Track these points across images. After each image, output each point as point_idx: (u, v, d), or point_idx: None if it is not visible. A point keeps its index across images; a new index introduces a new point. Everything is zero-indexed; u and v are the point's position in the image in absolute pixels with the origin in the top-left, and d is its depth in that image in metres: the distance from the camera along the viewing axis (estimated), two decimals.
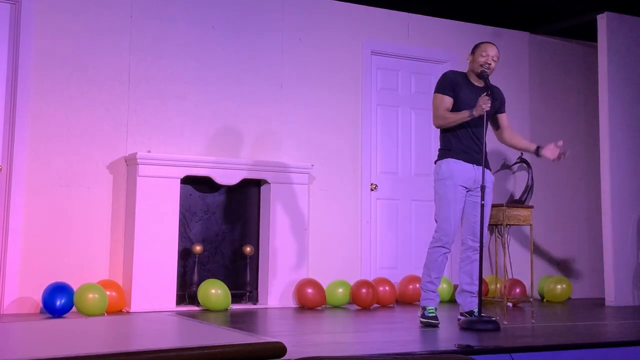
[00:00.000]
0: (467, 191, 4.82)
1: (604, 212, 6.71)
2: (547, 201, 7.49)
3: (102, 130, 5.81)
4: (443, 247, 4.77)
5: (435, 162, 4.95)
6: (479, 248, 4.78)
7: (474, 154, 4.82)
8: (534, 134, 7.54)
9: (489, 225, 5.56)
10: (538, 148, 4.94)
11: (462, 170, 4.79)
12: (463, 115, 4.76)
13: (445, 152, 4.86)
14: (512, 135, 5.12)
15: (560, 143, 4.89)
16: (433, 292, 4.80)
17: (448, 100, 4.84)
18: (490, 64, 4.87)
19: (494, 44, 4.98)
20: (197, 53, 6.20)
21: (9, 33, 5.63)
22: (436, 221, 4.83)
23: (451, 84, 4.87)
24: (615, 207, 6.67)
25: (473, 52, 4.94)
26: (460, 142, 4.82)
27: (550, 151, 4.89)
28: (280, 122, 6.47)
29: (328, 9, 6.78)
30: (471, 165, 4.81)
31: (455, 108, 4.82)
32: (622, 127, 6.80)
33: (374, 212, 6.79)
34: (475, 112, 4.73)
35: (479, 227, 4.77)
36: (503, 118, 5.09)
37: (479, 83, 4.92)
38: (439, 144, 4.99)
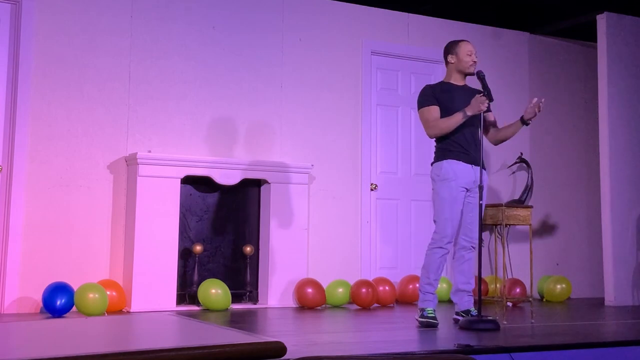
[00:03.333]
0: (466, 192, 4.83)
1: (604, 211, 6.71)
2: (547, 201, 7.50)
3: (102, 130, 5.82)
4: (443, 248, 4.77)
5: (432, 163, 4.93)
6: (472, 248, 4.83)
7: (473, 154, 4.82)
8: (533, 134, 7.55)
9: (489, 225, 5.57)
10: (522, 118, 4.79)
11: (463, 171, 4.79)
12: (457, 118, 4.74)
13: (444, 152, 4.84)
14: (499, 129, 5.02)
15: (535, 100, 4.76)
16: (432, 293, 4.80)
17: (435, 110, 4.82)
18: (475, 61, 4.91)
19: (468, 40, 5.04)
20: (197, 53, 6.20)
21: (9, 33, 5.63)
22: (435, 222, 4.82)
23: (433, 94, 4.86)
24: (615, 206, 6.67)
25: (454, 52, 4.93)
26: (459, 142, 4.81)
27: (530, 112, 4.76)
28: (280, 122, 6.47)
29: (328, 9, 6.79)
30: (470, 165, 4.81)
31: (446, 115, 4.80)
32: (621, 127, 6.80)
33: (374, 212, 6.80)
34: (469, 111, 4.72)
35: (473, 228, 4.81)
36: (490, 117, 5.03)
37: (459, 82, 4.93)
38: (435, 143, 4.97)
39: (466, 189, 4.81)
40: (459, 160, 4.79)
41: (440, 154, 4.86)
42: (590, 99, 7.54)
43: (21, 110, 5.54)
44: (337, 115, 6.71)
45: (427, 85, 5.04)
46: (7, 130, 5.56)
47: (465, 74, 4.94)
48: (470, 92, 4.92)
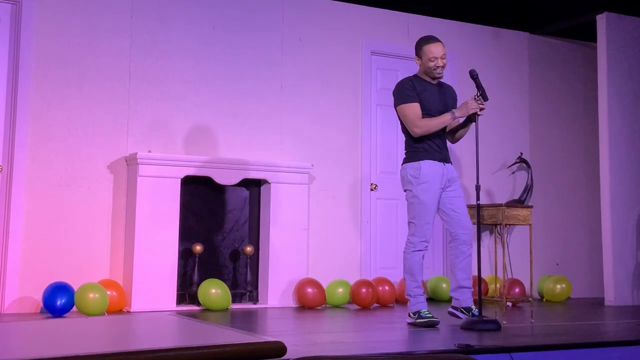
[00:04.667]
0: (443, 191, 4.80)
1: (604, 211, 6.71)
2: (547, 201, 7.50)
3: (102, 130, 5.82)
4: (423, 250, 4.75)
5: (405, 162, 4.83)
6: (470, 241, 4.80)
7: (443, 152, 4.82)
8: (533, 134, 7.56)
9: (488, 224, 5.56)
10: (467, 117, 4.72)
11: (440, 172, 4.76)
12: (445, 119, 4.71)
13: (421, 152, 4.77)
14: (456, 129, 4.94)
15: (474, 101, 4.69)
16: (422, 295, 4.78)
17: (418, 107, 4.74)
18: (440, 66, 4.75)
19: (437, 40, 4.78)
20: (197, 53, 6.20)
21: (9, 33, 5.63)
22: (413, 225, 4.75)
23: (413, 89, 4.77)
24: (615, 206, 6.67)
25: (418, 54, 4.80)
26: (432, 141, 4.78)
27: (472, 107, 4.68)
28: (280, 122, 6.47)
29: (328, 9, 6.79)
30: (442, 163, 4.79)
31: (422, 114, 4.74)
32: (621, 127, 6.80)
33: (374, 212, 6.80)
34: (458, 113, 4.70)
35: (464, 218, 4.78)
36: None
37: (431, 80, 4.84)
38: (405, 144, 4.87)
39: (442, 187, 4.78)
40: (434, 160, 4.76)
41: (417, 154, 4.78)
42: (590, 98, 7.54)
43: (21, 110, 5.54)
44: (337, 115, 6.71)
45: (406, 79, 4.89)
46: (7, 130, 5.56)
47: (429, 76, 4.80)
48: (444, 89, 4.88)
